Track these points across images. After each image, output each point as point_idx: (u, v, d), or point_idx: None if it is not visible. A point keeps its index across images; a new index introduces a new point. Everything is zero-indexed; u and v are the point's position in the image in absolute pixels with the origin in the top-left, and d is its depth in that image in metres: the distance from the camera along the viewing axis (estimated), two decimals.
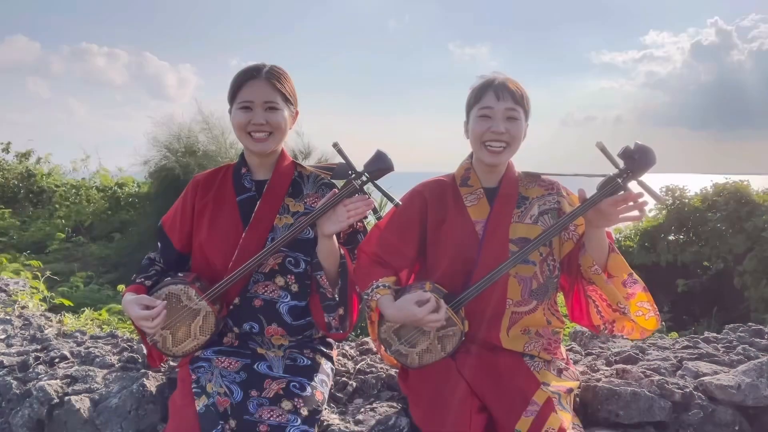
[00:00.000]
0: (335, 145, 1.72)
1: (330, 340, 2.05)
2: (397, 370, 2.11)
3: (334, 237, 1.83)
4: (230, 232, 1.89)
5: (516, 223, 1.86)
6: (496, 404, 1.65)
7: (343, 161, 1.75)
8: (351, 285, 1.88)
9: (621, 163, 1.69)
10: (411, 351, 1.79)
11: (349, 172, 1.74)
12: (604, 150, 1.67)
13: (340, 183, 1.84)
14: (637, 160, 1.66)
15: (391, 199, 1.75)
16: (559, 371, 1.83)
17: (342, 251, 1.87)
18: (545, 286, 1.86)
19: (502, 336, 1.81)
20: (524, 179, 1.95)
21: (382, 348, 1.86)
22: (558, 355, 1.89)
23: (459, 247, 1.85)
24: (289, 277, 1.89)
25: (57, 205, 9.59)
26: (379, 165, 1.73)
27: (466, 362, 1.77)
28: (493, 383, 1.70)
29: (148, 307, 1.75)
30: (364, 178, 1.73)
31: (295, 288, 1.89)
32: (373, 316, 1.82)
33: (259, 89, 1.83)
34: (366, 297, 1.81)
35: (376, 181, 1.77)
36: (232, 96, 1.88)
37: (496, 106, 1.80)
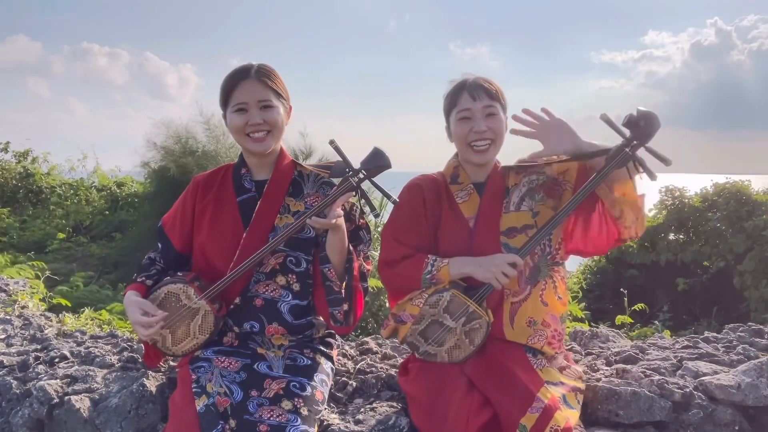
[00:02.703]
0: (332, 143, 1.72)
1: (330, 340, 2.05)
2: (397, 370, 2.12)
3: (344, 231, 1.83)
4: (231, 233, 1.89)
5: (504, 214, 1.88)
6: (500, 399, 1.65)
7: (340, 159, 1.75)
8: (356, 281, 1.88)
9: (627, 133, 1.71)
10: (439, 350, 1.78)
11: (346, 169, 1.74)
12: (609, 122, 1.70)
13: (339, 181, 1.84)
14: (643, 126, 1.68)
15: (388, 197, 1.75)
16: (560, 370, 1.83)
17: (350, 247, 1.87)
18: (537, 267, 1.85)
19: (506, 329, 1.82)
20: (506, 171, 1.96)
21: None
22: (560, 350, 1.90)
23: (454, 244, 1.87)
24: (290, 276, 1.89)
25: (53, 206, 9.58)
26: (377, 162, 1.73)
27: (468, 359, 1.77)
28: (496, 378, 1.71)
29: (147, 313, 1.75)
30: (361, 176, 1.73)
31: (296, 287, 1.89)
32: (442, 276, 1.79)
33: (252, 89, 1.83)
34: (429, 269, 1.80)
35: (373, 179, 1.76)
36: (225, 100, 1.87)
37: (473, 106, 1.84)
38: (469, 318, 1.75)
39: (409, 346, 1.84)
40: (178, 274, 1.88)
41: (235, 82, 1.84)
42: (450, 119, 1.91)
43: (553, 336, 1.86)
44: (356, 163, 1.75)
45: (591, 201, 1.84)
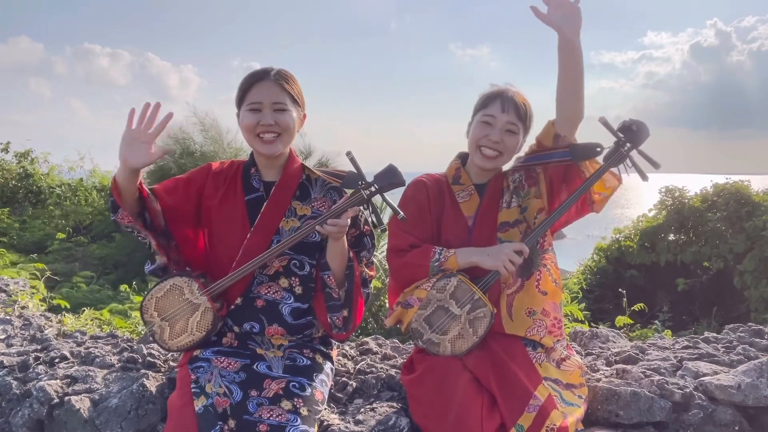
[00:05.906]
0: (348, 154, 1.73)
1: (330, 339, 2.05)
2: (397, 370, 2.12)
3: (344, 239, 1.84)
4: (237, 231, 1.90)
5: (499, 212, 1.95)
6: (500, 396, 1.67)
7: (353, 170, 1.76)
8: (357, 288, 1.89)
9: (621, 136, 1.84)
10: (443, 339, 1.81)
11: (359, 182, 1.74)
12: (606, 124, 1.82)
13: (349, 192, 1.85)
14: (636, 131, 1.83)
15: (397, 212, 1.75)
16: (559, 362, 1.86)
17: (351, 254, 1.88)
18: (529, 260, 1.89)
19: (504, 322, 1.86)
20: (504, 174, 2.02)
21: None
22: (561, 337, 1.93)
23: (453, 238, 1.92)
24: (293, 279, 1.90)
25: (51, 207, 9.57)
26: (391, 179, 1.74)
27: (470, 354, 1.79)
28: (497, 376, 1.72)
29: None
30: (373, 189, 1.73)
31: (298, 290, 1.90)
32: (450, 265, 1.84)
33: (268, 90, 1.84)
34: (437, 257, 1.85)
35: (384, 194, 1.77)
36: (240, 98, 1.88)
37: (498, 116, 1.89)
38: (474, 306, 1.79)
39: (413, 333, 1.86)
40: (186, 269, 1.90)
41: (252, 81, 1.85)
42: (474, 118, 1.96)
43: (554, 324, 1.90)
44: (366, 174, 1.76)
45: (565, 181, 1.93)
